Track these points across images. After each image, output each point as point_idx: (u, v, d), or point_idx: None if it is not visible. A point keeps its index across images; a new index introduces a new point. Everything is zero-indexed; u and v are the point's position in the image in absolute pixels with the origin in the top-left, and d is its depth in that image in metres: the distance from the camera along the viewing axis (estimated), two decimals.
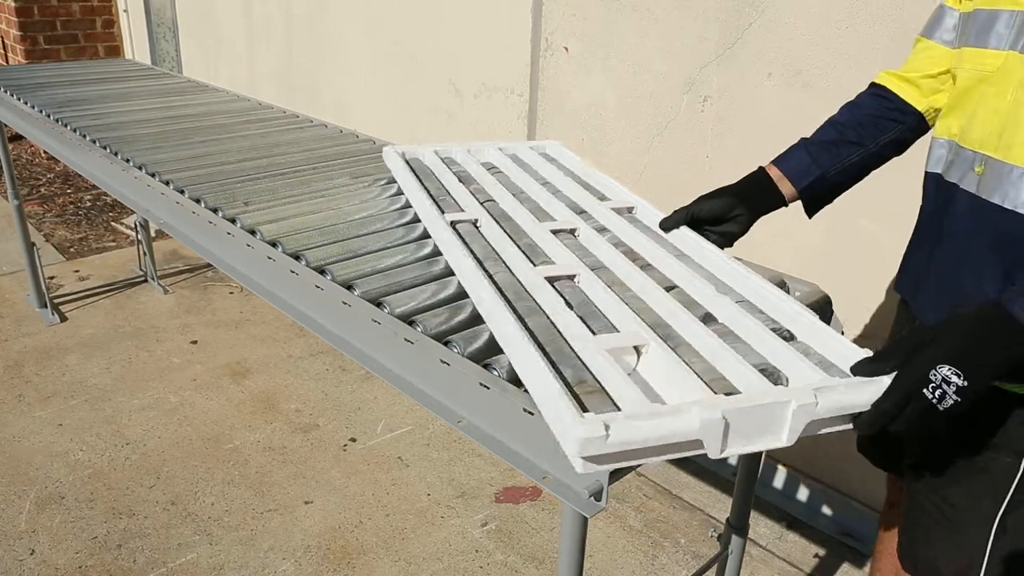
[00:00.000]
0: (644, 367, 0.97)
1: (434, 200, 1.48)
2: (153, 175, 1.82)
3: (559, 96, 2.55)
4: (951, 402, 0.81)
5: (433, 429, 2.60)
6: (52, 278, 3.64)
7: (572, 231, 1.35)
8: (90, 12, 5.27)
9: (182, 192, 1.70)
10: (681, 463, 2.46)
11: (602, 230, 1.37)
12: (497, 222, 1.38)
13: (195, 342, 3.12)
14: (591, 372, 0.92)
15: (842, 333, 1.29)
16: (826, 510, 2.19)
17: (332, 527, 2.16)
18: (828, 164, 1.21)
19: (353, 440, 2.55)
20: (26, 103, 2.53)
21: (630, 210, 1.43)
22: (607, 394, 0.87)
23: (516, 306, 1.07)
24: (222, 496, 2.27)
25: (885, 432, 0.86)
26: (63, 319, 3.27)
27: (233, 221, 1.53)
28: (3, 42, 5.43)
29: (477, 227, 1.37)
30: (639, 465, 0.81)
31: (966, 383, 0.81)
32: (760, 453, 1.50)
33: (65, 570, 1.99)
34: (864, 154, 1.21)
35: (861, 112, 1.22)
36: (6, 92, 2.68)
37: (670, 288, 1.16)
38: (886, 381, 0.85)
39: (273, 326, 3.27)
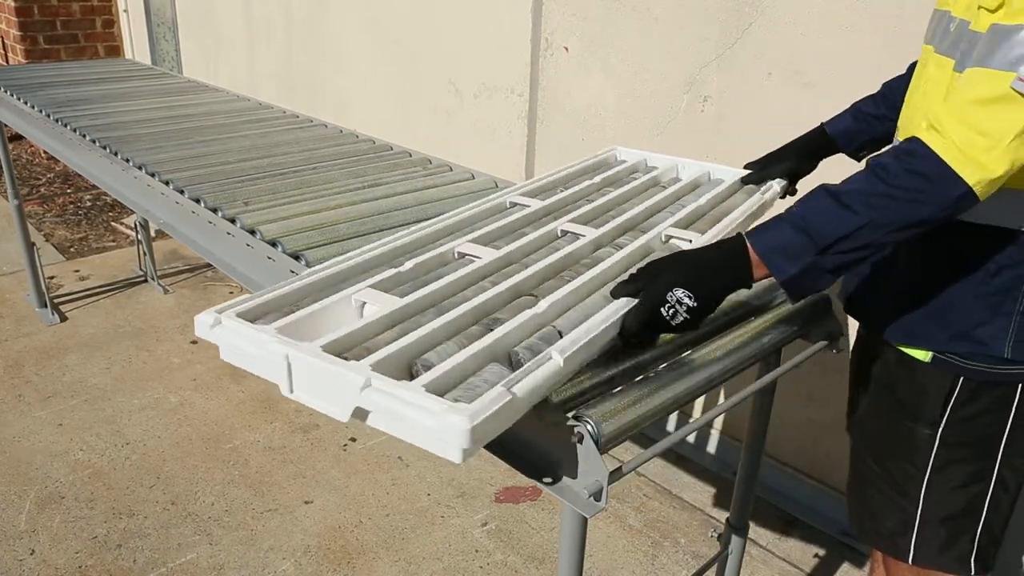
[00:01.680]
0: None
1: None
2: (153, 175, 1.82)
3: (559, 96, 2.55)
4: (681, 319, 0.98)
5: None
6: (52, 278, 3.64)
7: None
8: (90, 12, 5.27)
9: (182, 192, 1.70)
10: (681, 463, 2.46)
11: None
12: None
13: (195, 342, 3.12)
14: None
15: (841, 333, 1.30)
16: (826, 510, 2.19)
17: (332, 527, 2.16)
18: (866, 135, 1.36)
19: (353, 440, 2.55)
20: (26, 103, 2.53)
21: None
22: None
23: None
24: (222, 496, 2.27)
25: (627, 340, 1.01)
26: (63, 319, 3.27)
27: (233, 221, 1.54)
28: (3, 42, 5.43)
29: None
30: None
31: (695, 304, 0.97)
32: (760, 452, 1.50)
33: (65, 570, 1.99)
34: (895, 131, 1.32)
35: (900, 97, 1.28)
36: (6, 92, 2.69)
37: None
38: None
39: None
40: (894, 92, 1.33)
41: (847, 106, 1.42)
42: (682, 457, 2.49)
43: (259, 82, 4.10)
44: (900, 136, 1.18)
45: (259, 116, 2.47)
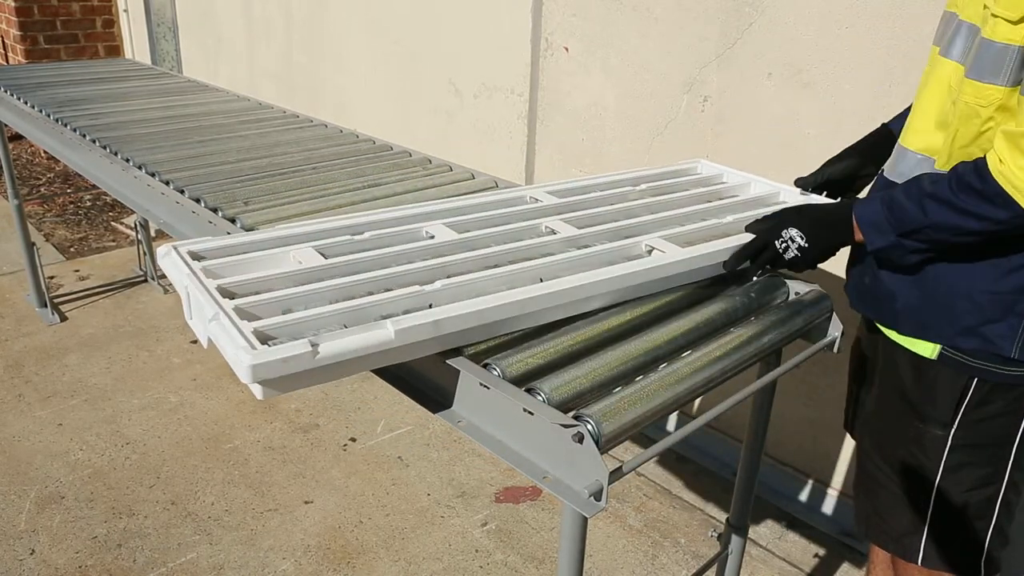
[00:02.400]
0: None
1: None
2: (153, 175, 1.82)
3: (559, 96, 2.55)
4: (793, 255, 1.17)
5: (433, 429, 2.60)
6: (52, 278, 3.64)
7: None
8: (90, 12, 5.27)
9: (182, 192, 1.70)
10: (681, 463, 2.46)
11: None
12: None
13: (195, 342, 3.12)
14: None
15: (840, 333, 1.29)
16: (826, 510, 2.19)
17: (332, 527, 2.16)
18: None
19: (353, 440, 2.55)
20: (26, 103, 2.53)
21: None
22: None
23: None
24: (222, 496, 2.27)
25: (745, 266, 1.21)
26: (63, 319, 3.28)
27: (233, 221, 1.53)
28: (3, 42, 5.43)
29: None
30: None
31: (807, 244, 1.16)
32: (760, 452, 1.50)
33: (65, 570, 1.99)
34: None
35: None
36: (6, 92, 2.68)
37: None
38: None
39: None
40: None
41: (885, 111, 1.42)
42: (682, 457, 2.49)
43: (259, 82, 4.10)
44: (906, 135, 1.18)
45: (259, 116, 2.46)
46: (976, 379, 1.14)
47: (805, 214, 1.19)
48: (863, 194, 1.29)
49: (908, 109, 1.31)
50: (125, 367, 2.93)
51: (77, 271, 3.77)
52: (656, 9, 2.20)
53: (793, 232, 1.16)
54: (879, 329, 1.26)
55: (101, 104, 2.52)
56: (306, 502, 2.26)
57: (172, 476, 2.35)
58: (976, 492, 1.19)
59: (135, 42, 5.25)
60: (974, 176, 1.02)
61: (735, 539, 1.58)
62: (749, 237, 1.23)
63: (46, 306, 3.29)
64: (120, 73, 3.14)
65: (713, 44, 2.10)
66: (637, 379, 1.02)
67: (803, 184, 1.44)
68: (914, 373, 1.20)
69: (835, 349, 1.30)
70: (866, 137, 1.39)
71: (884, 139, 1.35)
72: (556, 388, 0.97)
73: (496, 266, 1.16)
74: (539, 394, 0.96)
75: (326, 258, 1.16)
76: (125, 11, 5.22)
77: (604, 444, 0.91)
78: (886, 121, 1.39)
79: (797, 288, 1.33)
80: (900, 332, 1.20)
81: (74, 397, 2.73)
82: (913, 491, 1.24)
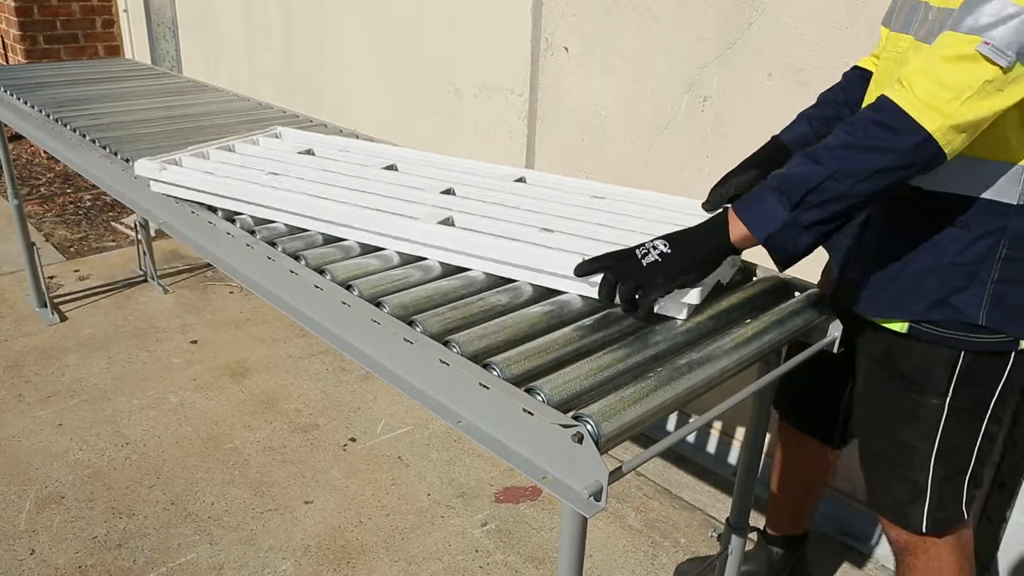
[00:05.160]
0: None
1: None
2: None
3: (559, 96, 2.55)
4: (652, 258, 1.06)
5: (433, 429, 2.60)
6: (52, 278, 3.64)
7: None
8: (90, 12, 5.27)
9: None
10: (681, 463, 2.46)
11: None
12: None
13: (195, 342, 3.12)
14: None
15: (840, 333, 1.29)
16: (826, 510, 2.19)
17: (332, 527, 2.16)
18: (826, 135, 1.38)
19: (353, 440, 2.55)
20: (26, 103, 2.53)
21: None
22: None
23: None
24: (222, 496, 2.27)
25: (598, 273, 1.10)
26: (63, 319, 3.27)
27: (233, 221, 1.53)
28: (3, 42, 5.43)
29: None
30: None
31: (670, 251, 1.06)
32: (760, 452, 1.50)
33: (65, 570, 1.99)
34: None
35: (852, 95, 1.38)
36: (6, 92, 2.68)
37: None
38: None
39: (273, 326, 3.27)
40: (848, 91, 1.39)
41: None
42: (682, 457, 2.49)
43: (259, 82, 4.10)
44: None
45: (259, 116, 2.46)
46: (963, 350, 1.19)
47: (673, 235, 1.10)
48: None
49: (801, 119, 1.40)
50: (125, 367, 2.93)
51: (77, 271, 3.77)
52: (656, 9, 2.20)
53: (657, 241, 1.08)
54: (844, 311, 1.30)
55: (101, 104, 2.52)
56: (306, 502, 2.26)
57: (172, 476, 2.35)
58: (962, 450, 1.28)
59: (135, 42, 5.25)
60: (871, 112, 1.01)
61: (735, 539, 1.58)
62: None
63: (46, 306, 3.29)
64: (120, 73, 3.14)
65: (713, 44, 2.10)
66: (637, 379, 1.02)
67: (711, 206, 1.37)
68: (905, 346, 1.23)
69: (835, 349, 1.30)
70: (761, 149, 1.39)
71: (779, 151, 1.37)
72: (556, 388, 0.97)
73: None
74: (539, 394, 0.96)
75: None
76: (125, 11, 5.22)
77: (604, 444, 0.91)
78: (776, 134, 1.41)
79: (797, 289, 1.33)
80: (871, 314, 1.24)
81: (74, 397, 2.73)
82: (911, 461, 1.30)
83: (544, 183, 1.63)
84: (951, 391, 1.22)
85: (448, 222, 1.37)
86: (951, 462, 1.28)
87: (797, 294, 1.32)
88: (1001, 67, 0.94)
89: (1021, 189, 1.09)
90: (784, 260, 1.07)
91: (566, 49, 2.48)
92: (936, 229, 1.15)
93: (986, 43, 0.94)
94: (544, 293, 1.25)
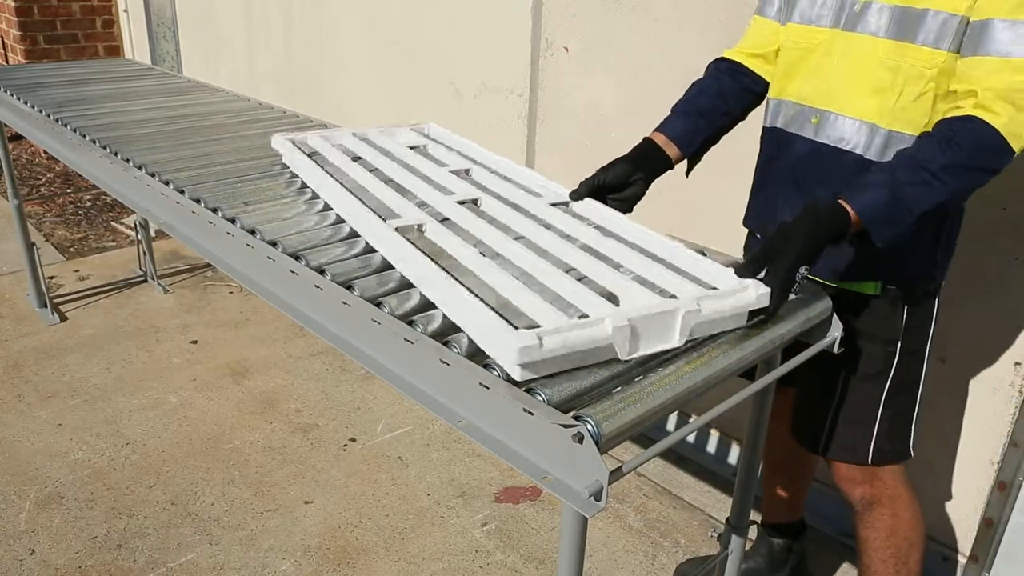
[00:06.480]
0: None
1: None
2: (153, 175, 1.81)
3: (559, 96, 2.55)
4: (803, 285, 1.19)
5: (433, 429, 2.60)
6: (52, 278, 3.64)
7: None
8: (90, 12, 5.27)
9: (182, 192, 1.70)
10: (681, 463, 2.46)
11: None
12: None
13: (195, 342, 3.12)
14: (509, 298, 1.11)
15: (841, 333, 1.30)
16: (826, 510, 2.19)
17: (332, 527, 2.16)
18: (705, 130, 1.51)
19: (353, 440, 2.55)
20: (26, 103, 2.53)
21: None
22: (527, 315, 1.06)
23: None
24: (222, 496, 2.27)
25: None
26: (63, 319, 3.28)
27: (233, 221, 1.53)
28: (3, 42, 5.43)
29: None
30: (563, 370, 0.99)
31: (808, 272, 1.16)
32: (760, 452, 1.50)
33: (65, 570, 1.99)
34: (731, 122, 1.55)
35: (727, 87, 1.53)
36: (6, 92, 2.68)
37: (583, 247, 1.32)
38: (752, 284, 1.14)
39: (273, 326, 3.27)
40: (722, 82, 1.53)
41: None
42: (682, 457, 2.49)
43: (259, 82, 4.10)
44: (831, 103, 1.33)
45: (259, 116, 2.46)
46: (912, 298, 1.38)
47: (797, 241, 1.14)
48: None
49: (678, 114, 1.53)
50: (125, 367, 2.93)
51: (77, 271, 3.77)
52: (656, 9, 2.19)
53: (802, 271, 1.16)
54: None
55: (101, 104, 2.52)
56: (306, 502, 2.26)
57: (172, 476, 2.35)
58: (907, 390, 1.45)
59: (135, 42, 5.25)
60: (971, 135, 1.13)
61: (735, 539, 1.58)
62: (740, 294, 1.14)
63: (46, 306, 3.29)
64: (120, 73, 3.14)
65: (713, 44, 2.09)
66: (637, 379, 1.02)
67: (577, 196, 1.47)
68: (859, 306, 1.38)
69: (835, 349, 1.30)
70: (635, 147, 1.50)
71: (651, 150, 1.50)
72: (556, 388, 0.97)
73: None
74: (539, 394, 0.96)
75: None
76: (125, 11, 5.22)
77: (604, 444, 0.91)
78: (648, 136, 1.52)
79: (797, 288, 1.33)
80: (846, 279, 1.39)
81: (74, 397, 2.73)
82: (865, 404, 1.46)
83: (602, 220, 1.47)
84: (902, 336, 1.40)
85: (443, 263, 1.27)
86: (899, 400, 1.45)
87: (797, 294, 1.32)
88: None
89: None
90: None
91: (566, 49, 2.48)
92: None
93: None
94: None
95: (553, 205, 1.44)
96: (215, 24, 4.30)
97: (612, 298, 1.11)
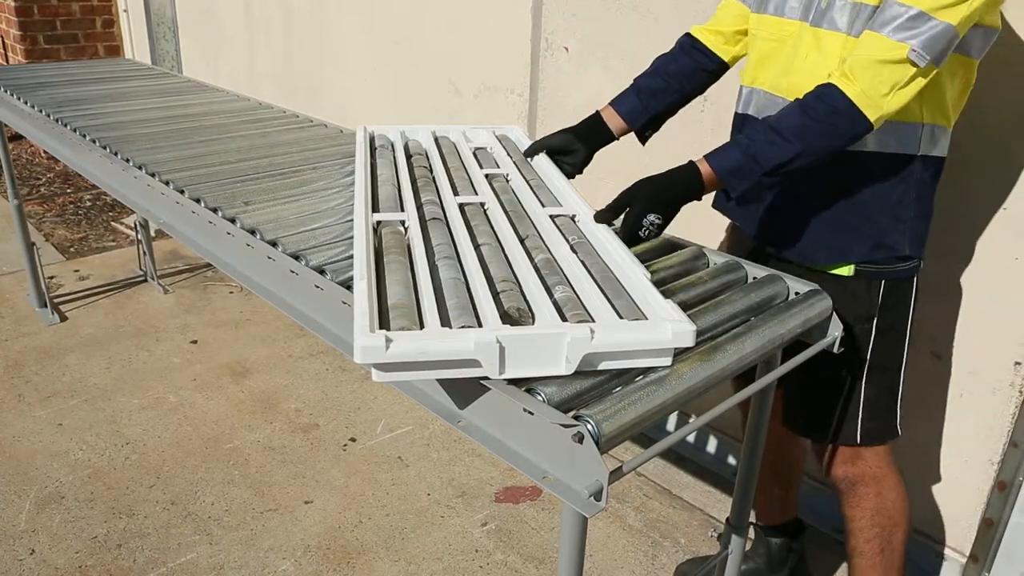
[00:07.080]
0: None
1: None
2: (153, 175, 1.82)
3: (559, 96, 2.55)
4: (653, 232, 1.26)
5: (433, 429, 2.61)
6: (52, 278, 3.64)
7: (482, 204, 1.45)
8: (90, 12, 5.27)
9: (182, 192, 1.70)
10: (681, 463, 2.46)
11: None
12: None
13: (195, 342, 3.12)
14: (417, 299, 1.06)
15: (841, 333, 1.30)
16: (826, 510, 2.19)
17: (332, 527, 2.16)
18: (655, 108, 1.57)
19: (353, 440, 2.55)
20: (26, 103, 2.53)
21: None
22: (413, 318, 1.01)
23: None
24: (222, 496, 2.27)
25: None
26: (63, 319, 3.28)
27: (233, 221, 1.53)
28: (3, 42, 5.43)
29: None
30: (427, 377, 0.97)
31: (660, 219, 1.25)
32: (760, 452, 1.50)
33: (65, 570, 1.99)
34: (682, 99, 1.59)
35: (681, 65, 1.57)
36: (6, 92, 2.68)
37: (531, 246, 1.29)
38: (670, 323, 1.02)
39: (273, 326, 3.27)
40: (680, 60, 1.58)
41: None
42: (682, 457, 2.49)
43: (259, 82, 4.10)
44: (792, 91, 1.35)
45: (259, 116, 2.47)
46: (883, 280, 1.42)
47: (649, 192, 1.26)
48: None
49: (631, 91, 1.57)
50: (125, 367, 2.93)
51: (77, 271, 3.77)
52: (656, 9, 2.20)
53: (651, 217, 1.24)
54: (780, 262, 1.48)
55: (101, 104, 2.52)
56: (306, 502, 2.26)
57: (172, 476, 2.35)
58: (888, 369, 1.49)
59: (135, 42, 5.25)
60: (824, 101, 1.20)
61: (735, 539, 1.58)
62: (646, 330, 1.04)
63: (46, 306, 3.29)
64: (120, 73, 3.14)
65: None
66: (637, 379, 1.02)
67: (528, 153, 1.63)
68: (836, 288, 1.38)
69: (835, 349, 1.30)
70: (582, 121, 1.59)
71: (595, 123, 1.59)
72: (556, 388, 0.97)
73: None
74: (539, 394, 0.96)
75: None
76: (125, 11, 5.22)
77: (604, 444, 0.91)
78: (599, 109, 1.60)
79: (797, 288, 1.33)
80: (820, 262, 1.43)
81: (74, 397, 2.73)
82: (846, 383, 1.49)
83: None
84: (878, 313, 1.44)
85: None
86: (880, 378, 1.48)
87: (797, 294, 1.32)
88: (920, 67, 1.16)
89: (919, 143, 1.33)
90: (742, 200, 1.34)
91: (566, 49, 2.48)
92: (865, 182, 1.36)
93: (914, 50, 1.14)
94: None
95: (552, 217, 1.37)
96: (215, 24, 4.30)
97: (524, 314, 1.03)
